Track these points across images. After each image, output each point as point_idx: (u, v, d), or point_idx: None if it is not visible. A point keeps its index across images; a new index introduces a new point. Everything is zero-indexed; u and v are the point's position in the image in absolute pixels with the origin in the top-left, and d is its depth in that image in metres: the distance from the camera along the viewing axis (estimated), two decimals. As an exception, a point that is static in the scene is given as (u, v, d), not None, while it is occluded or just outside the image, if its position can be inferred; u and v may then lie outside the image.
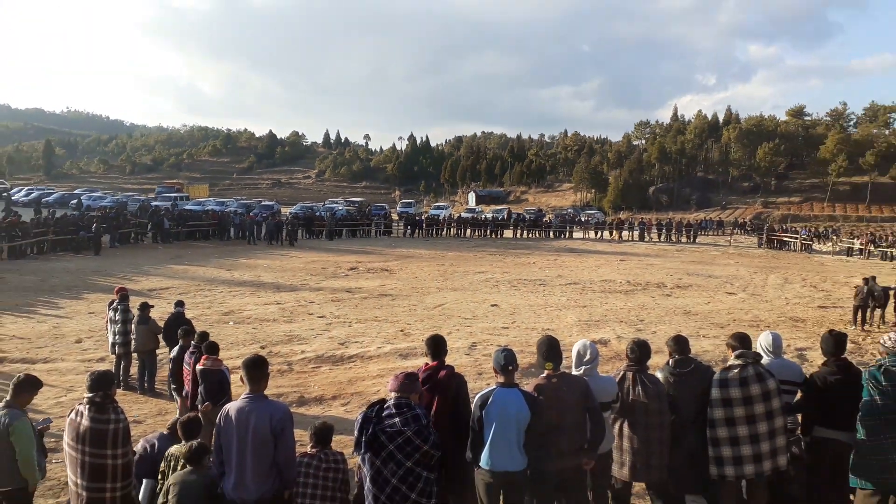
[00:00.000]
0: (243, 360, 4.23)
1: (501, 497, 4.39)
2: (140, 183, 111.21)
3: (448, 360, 4.90)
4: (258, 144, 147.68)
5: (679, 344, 4.95)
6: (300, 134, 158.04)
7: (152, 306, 10.38)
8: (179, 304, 10.24)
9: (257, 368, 4.16)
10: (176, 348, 8.26)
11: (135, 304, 10.31)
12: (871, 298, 15.40)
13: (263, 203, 52.22)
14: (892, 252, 36.30)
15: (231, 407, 4.14)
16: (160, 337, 9.99)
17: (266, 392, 4.23)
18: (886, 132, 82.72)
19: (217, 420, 4.19)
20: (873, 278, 15.92)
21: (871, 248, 37.65)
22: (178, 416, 8.03)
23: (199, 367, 7.03)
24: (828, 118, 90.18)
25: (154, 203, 44.31)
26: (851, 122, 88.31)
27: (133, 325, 10.02)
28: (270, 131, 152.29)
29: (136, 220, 32.75)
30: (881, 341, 4.88)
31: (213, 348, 7.23)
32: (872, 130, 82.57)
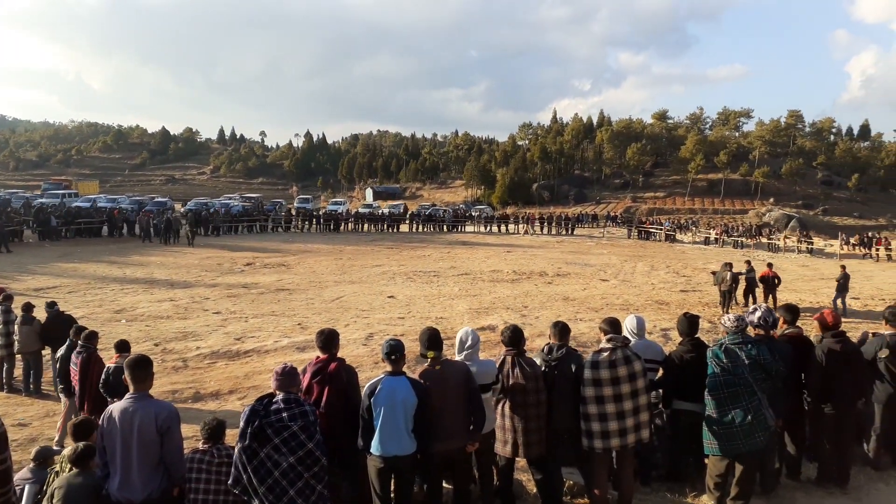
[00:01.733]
0: (126, 361, 4.00)
1: (392, 480, 4.39)
2: (25, 179, 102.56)
3: (345, 352, 4.84)
4: (151, 140, 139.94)
5: (559, 329, 5.08)
6: (194, 130, 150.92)
7: (35, 306, 9.60)
8: (51, 304, 9.58)
9: (140, 368, 3.95)
10: (63, 347, 7.66)
11: (19, 304, 9.53)
12: (734, 282, 16.47)
13: (156, 200, 49.35)
14: (742, 241, 39.40)
15: (115, 408, 3.90)
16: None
17: (161, 389, 4.02)
18: (736, 134, 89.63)
19: (100, 422, 3.94)
20: (730, 265, 17.10)
21: (725, 237, 40.72)
22: (63, 416, 7.51)
23: (111, 364, 6.59)
24: (688, 121, 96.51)
25: (40, 200, 40.90)
26: (707, 125, 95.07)
27: (16, 326, 9.28)
28: (163, 127, 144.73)
29: (21, 218, 30.12)
30: (722, 321, 5.24)
31: (124, 346, 6.82)
32: (725, 133, 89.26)
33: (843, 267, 17.65)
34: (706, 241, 40.77)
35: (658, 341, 9.95)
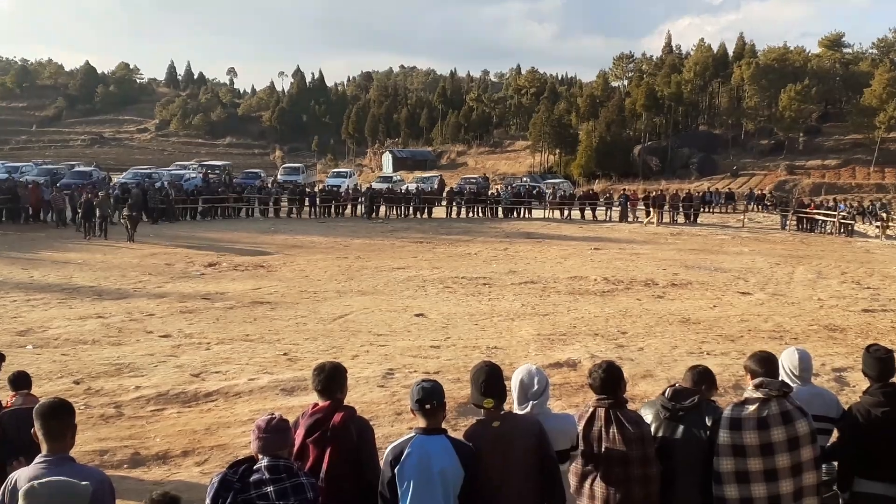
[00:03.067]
0: (36, 407, 4.05)
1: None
2: None
3: (353, 396, 4.87)
4: (69, 82, 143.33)
5: (696, 374, 5.05)
6: (132, 67, 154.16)
7: None
8: None
9: (57, 418, 3.99)
10: None
11: None
12: None
13: (78, 169, 50.52)
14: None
15: (20, 476, 3.95)
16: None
17: (85, 448, 4.10)
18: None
19: (1, 496, 4.02)
20: None
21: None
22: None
23: (5, 409, 6.75)
24: (875, 51, 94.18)
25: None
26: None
27: None
28: (87, 62, 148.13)
29: None
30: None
31: (23, 380, 6.98)
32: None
33: None
34: (903, 235, 39.80)
35: (830, 387, 9.73)
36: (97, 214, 30.82)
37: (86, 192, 33.08)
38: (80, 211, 31.12)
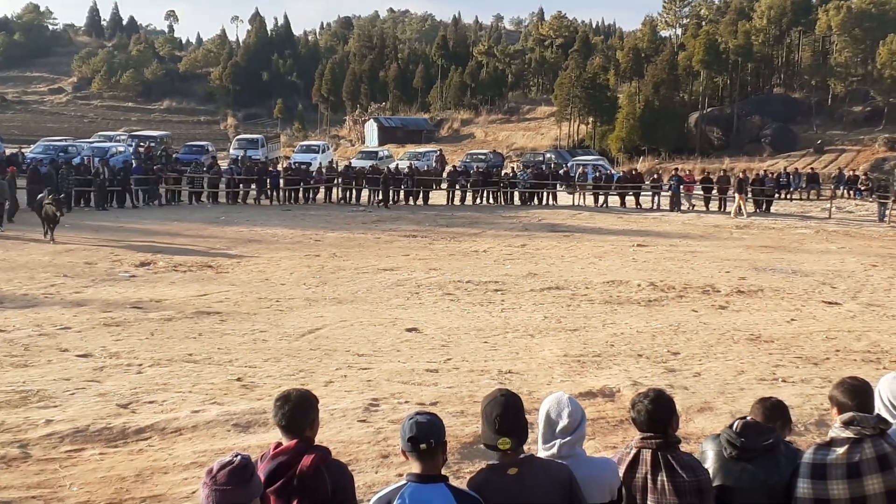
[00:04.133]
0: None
1: None
2: None
3: (326, 434, 4.87)
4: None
5: (768, 408, 5.10)
6: (43, 10, 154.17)
7: None
8: None
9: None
10: None
11: None
12: None
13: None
14: None
15: None
16: None
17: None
18: None
19: None
20: None
21: None
22: None
23: None
24: None
25: None
26: None
27: None
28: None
29: None
30: None
31: None
32: None
33: None
34: None
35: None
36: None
37: None
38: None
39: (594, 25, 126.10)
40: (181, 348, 15.43)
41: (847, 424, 4.76)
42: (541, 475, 4.48)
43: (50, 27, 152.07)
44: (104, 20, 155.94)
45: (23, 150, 50.86)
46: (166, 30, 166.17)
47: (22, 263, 23.64)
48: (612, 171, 53.96)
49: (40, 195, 29.37)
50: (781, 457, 4.87)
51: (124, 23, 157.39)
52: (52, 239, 27.70)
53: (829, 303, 21.06)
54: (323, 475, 4.57)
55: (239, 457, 4.06)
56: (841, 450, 4.69)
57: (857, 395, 4.91)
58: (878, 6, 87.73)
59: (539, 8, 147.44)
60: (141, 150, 50.39)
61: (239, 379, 13.59)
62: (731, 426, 5.09)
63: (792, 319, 18.99)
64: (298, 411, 4.66)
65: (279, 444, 4.65)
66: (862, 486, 4.63)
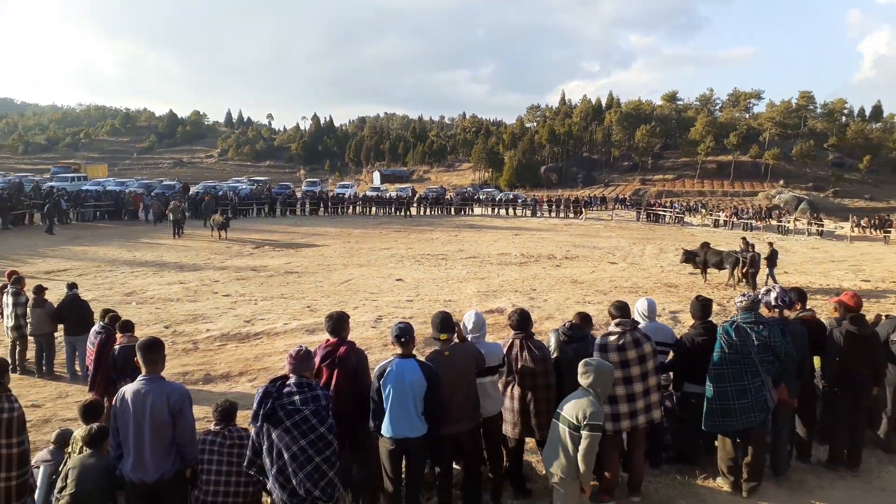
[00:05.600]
0: (138, 343, 4.03)
1: (403, 462, 4.41)
2: (34, 163, 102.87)
3: (354, 335, 4.87)
4: (158, 124, 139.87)
5: (620, 309, 5.03)
6: (201, 113, 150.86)
7: (47, 289, 9.67)
8: (72, 285, 9.56)
9: (152, 351, 3.98)
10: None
11: (30, 286, 9.64)
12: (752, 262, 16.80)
13: (165, 182, 49.38)
14: (752, 223, 39.13)
15: (127, 389, 3.93)
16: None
17: (172, 371, 4.06)
18: (747, 116, 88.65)
19: (113, 402, 3.97)
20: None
21: (735, 219, 40.47)
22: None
23: (116, 346, 6.66)
24: (697, 103, 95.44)
25: (49, 184, 41.03)
26: (717, 107, 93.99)
27: (28, 309, 9.36)
28: (171, 110, 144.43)
29: (31, 202, 30.27)
30: (736, 301, 5.22)
31: (128, 326, 6.90)
32: (735, 114, 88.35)
33: (771, 244, 18.71)
34: (715, 224, 40.49)
35: (668, 324, 9.92)
36: (171, 219, 27.00)
37: (173, 200, 32.08)
38: (170, 216, 27.34)
39: (491, 120, 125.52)
40: (277, 291, 15.30)
41: (618, 325, 4.87)
42: (461, 352, 4.52)
43: (205, 122, 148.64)
44: (234, 118, 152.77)
45: (188, 185, 48.93)
46: (267, 123, 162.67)
47: (192, 248, 23.20)
48: (501, 196, 53.99)
49: (214, 214, 28.01)
50: (589, 342, 4.94)
51: (245, 119, 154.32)
52: (224, 237, 25.80)
53: (612, 263, 21.31)
54: (351, 357, 4.57)
55: (303, 347, 4.11)
56: (614, 337, 4.81)
57: (622, 309, 5.03)
58: (635, 110, 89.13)
59: (463, 111, 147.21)
60: (254, 187, 49.54)
61: (308, 306, 13.52)
62: (563, 325, 5.16)
63: (593, 271, 19.20)
64: (338, 323, 4.65)
65: (328, 341, 4.65)
66: (626, 354, 4.74)
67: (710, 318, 5.48)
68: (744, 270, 16.83)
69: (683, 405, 5.50)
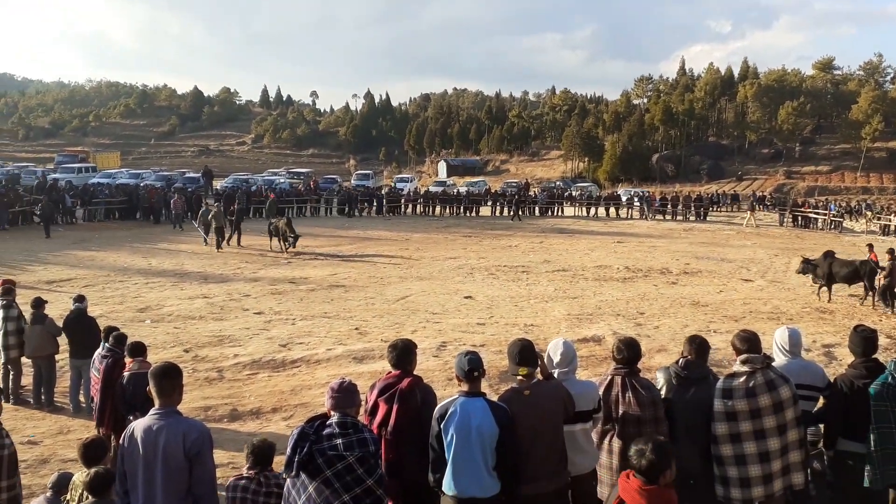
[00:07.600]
0: (150, 370, 4.14)
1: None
2: (36, 150, 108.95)
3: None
4: (181, 104, 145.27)
5: (696, 346, 4.99)
6: (232, 91, 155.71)
7: (47, 302, 10.16)
8: (80, 298, 9.95)
9: (168, 378, 4.07)
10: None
11: (28, 299, 10.11)
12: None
13: (188, 175, 51.29)
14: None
15: (137, 426, 4.04)
16: (59, 339, 9.78)
17: (192, 404, 4.17)
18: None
19: (121, 441, 4.11)
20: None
21: (911, 225, 38.57)
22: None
23: (125, 373, 6.95)
24: (861, 72, 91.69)
25: (53, 176, 43.35)
26: (888, 77, 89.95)
27: (25, 326, 9.77)
28: (196, 87, 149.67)
29: (32, 198, 31.83)
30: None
31: (139, 349, 7.15)
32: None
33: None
34: (885, 231, 38.76)
35: (819, 361, 9.54)
36: (214, 226, 25.34)
37: (205, 201, 32.42)
38: (212, 223, 25.59)
39: (588, 96, 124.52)
40: (320, 308, 15.59)
41: (743, 362, 4.74)
42: (545, 392, 4.47)
43: (237, 102, 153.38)
44: (271, 97, 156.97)
45: (247, 181, 49.28)
46: (311, 103, 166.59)
47: (218, 255, 23.92)
48: (599, 193, 53.41)
49: (273, 219, 26.67)
50: (711, 384, 4.82)
51: (284, 99, 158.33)
52: (291, 250, 24.17)
53: (746, 280, 20.74)
54: (416, 393, 4.63)
55: (347, 379, 4.16)
56: (741, 380, 4.68)
57: (748, 342, 4.89)
58: (778, 82, 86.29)
59: (552, 85, 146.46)
60: (293, 180, 50.74)
61: (357, 328, 13.71)
62: (677, 362, 5.05)
63: (720, 291, 18.73)
64: (404, 354, 4.75)
65: (390, 373, 4.74)
66: (757, 402, 4.60)
67: (876, 356, 5.25)
68: (885, 282, 16.36)
69: (837, 468, 5.27)
